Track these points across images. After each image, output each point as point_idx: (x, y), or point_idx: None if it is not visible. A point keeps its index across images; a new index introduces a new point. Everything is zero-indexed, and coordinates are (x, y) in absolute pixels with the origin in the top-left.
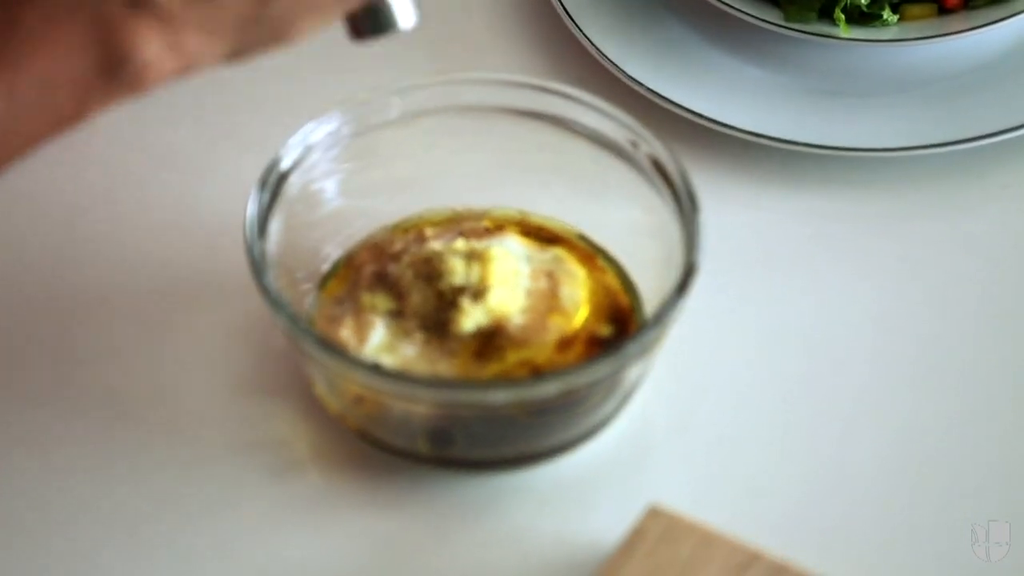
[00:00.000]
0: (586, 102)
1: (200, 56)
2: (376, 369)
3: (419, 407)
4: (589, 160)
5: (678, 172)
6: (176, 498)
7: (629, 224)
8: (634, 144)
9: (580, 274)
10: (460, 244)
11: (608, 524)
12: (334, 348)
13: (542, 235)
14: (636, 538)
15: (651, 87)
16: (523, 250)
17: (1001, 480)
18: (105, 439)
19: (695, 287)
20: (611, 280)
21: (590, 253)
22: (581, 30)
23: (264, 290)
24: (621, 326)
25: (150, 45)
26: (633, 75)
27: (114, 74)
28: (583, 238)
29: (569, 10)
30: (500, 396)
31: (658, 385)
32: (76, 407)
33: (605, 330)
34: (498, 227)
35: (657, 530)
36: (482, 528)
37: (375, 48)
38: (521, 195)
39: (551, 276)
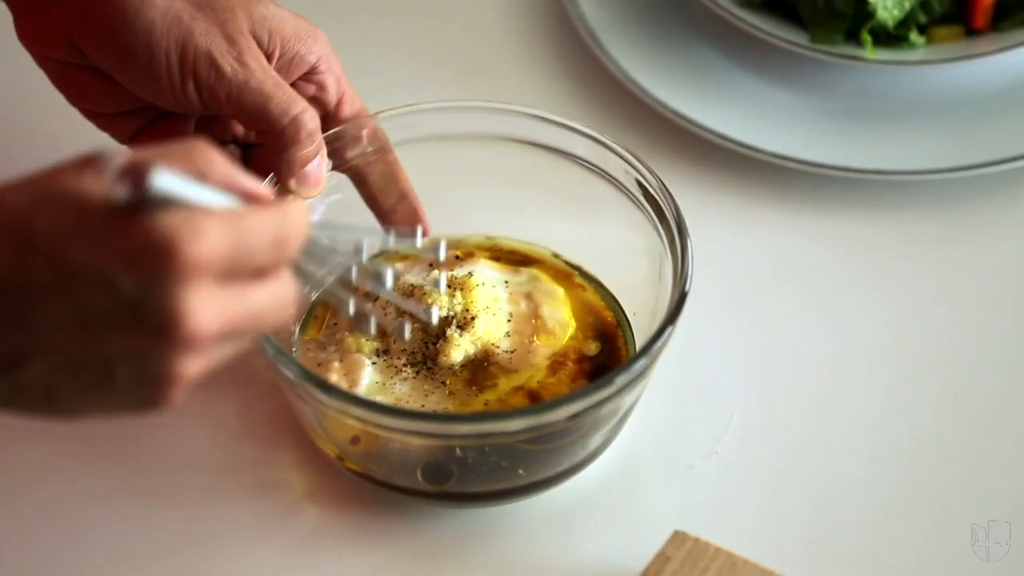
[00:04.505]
0: (572, 128)
1: None
2: (396, 411)
3: (418, 443)
4: (576, 182)
5: (667, 200)
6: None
7: (613, 241)
8: (626, 172)
9: (559, 292)
10: (435, 275)
11: (630, 549)
12: (349, 394)
13: (514, 258)
14: (661, 562)
15: (677, 109)
16: (497, 275)
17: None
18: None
19: (720, 309)
20: (591, 296)
21: (566, 271)
22: (607, 53)
23: (266, 339)
24: (608, 341)
25: None
26: (659, 97)
27: None
28: (557, 256)
29: (594, 33)
30: (517, 423)
31: (678, 409)
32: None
33: (592, 347)
34: (468, 255)
35: (682, 554)
36: (497, 558)
37: (401, 72)
38: (491, 220)
39: (530, 297)
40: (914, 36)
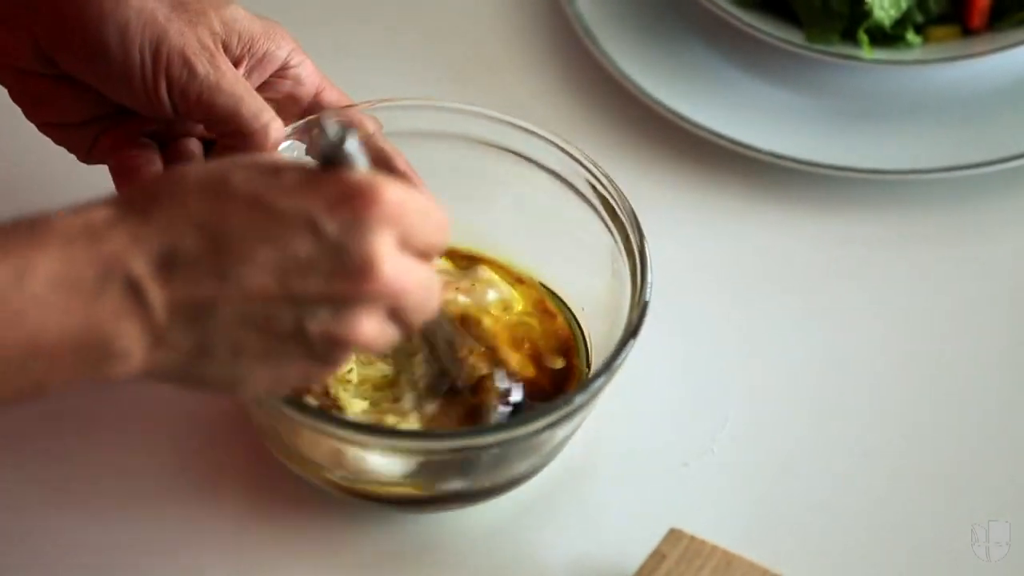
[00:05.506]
0: (523, 128)
1: (155, 372)
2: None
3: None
4: (524, 183)
5: (623, 206)
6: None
7: (565, 245)
8: (592, 186)
9: (507, 289)
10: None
11: (626, 547)
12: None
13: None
14: (656, 560)
15: (672, 108)
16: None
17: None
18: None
19: (716, 308)
20: (545, 298)
21: (515, 272)
22: (602, 51)
23: None
24: (562, 351)
25: (128, 340)
26: (654, 96)
27: (88, 350)
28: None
29: (590, 31)
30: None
31: (673, 408)
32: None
33: (558, 362)
34: None
35: (677, 552)
36: (492, 557)
37: (392, 68)
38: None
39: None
40: (910, 36)
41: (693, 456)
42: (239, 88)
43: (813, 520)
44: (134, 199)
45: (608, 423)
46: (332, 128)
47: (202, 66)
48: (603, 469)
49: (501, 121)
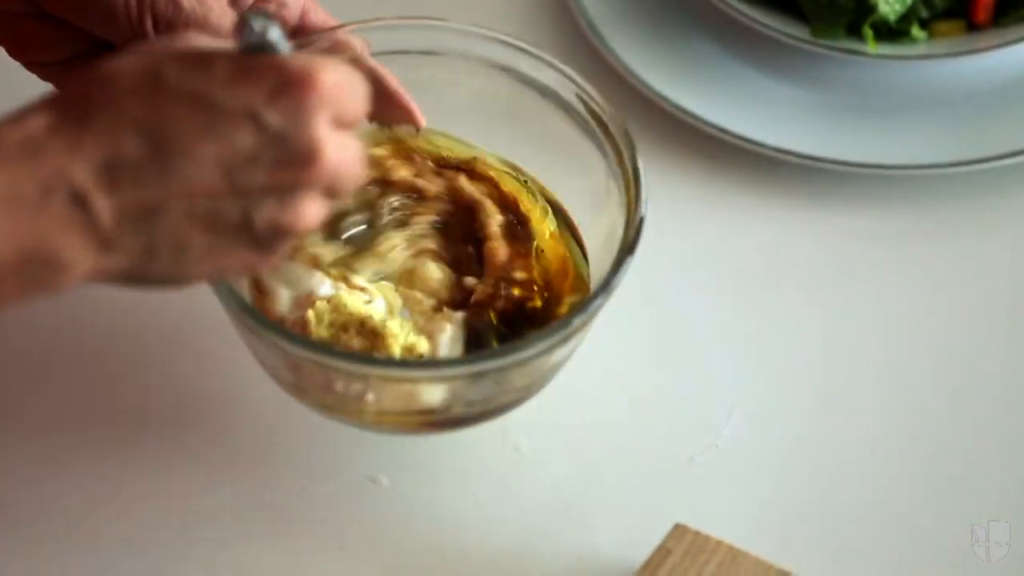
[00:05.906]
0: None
1: (99, 277)
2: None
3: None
4: (516, 100)
5: (621, 132)
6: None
7: (555, 159)
8: (583, 101)
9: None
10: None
11: (631, 543)
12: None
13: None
14: (662, 555)
15: (677, 102)
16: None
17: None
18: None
19: (721, 302)
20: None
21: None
22: (607, 46)
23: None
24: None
25: (75, 251)
26: (659, 90)
27: (34, 265)
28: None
29: (595, 27)
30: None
31: (678, 402)
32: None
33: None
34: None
35: (683, 547)
36: (495, 551)
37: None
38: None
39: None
40: (916, 31)
41: (698, 451)
42: (226, 22)
43: (817, 515)
44: (70, 103)
45: (613, 418)
46: (256, 22)
47: (187, 1)
48: (608, 464)
49: (490, 38)
